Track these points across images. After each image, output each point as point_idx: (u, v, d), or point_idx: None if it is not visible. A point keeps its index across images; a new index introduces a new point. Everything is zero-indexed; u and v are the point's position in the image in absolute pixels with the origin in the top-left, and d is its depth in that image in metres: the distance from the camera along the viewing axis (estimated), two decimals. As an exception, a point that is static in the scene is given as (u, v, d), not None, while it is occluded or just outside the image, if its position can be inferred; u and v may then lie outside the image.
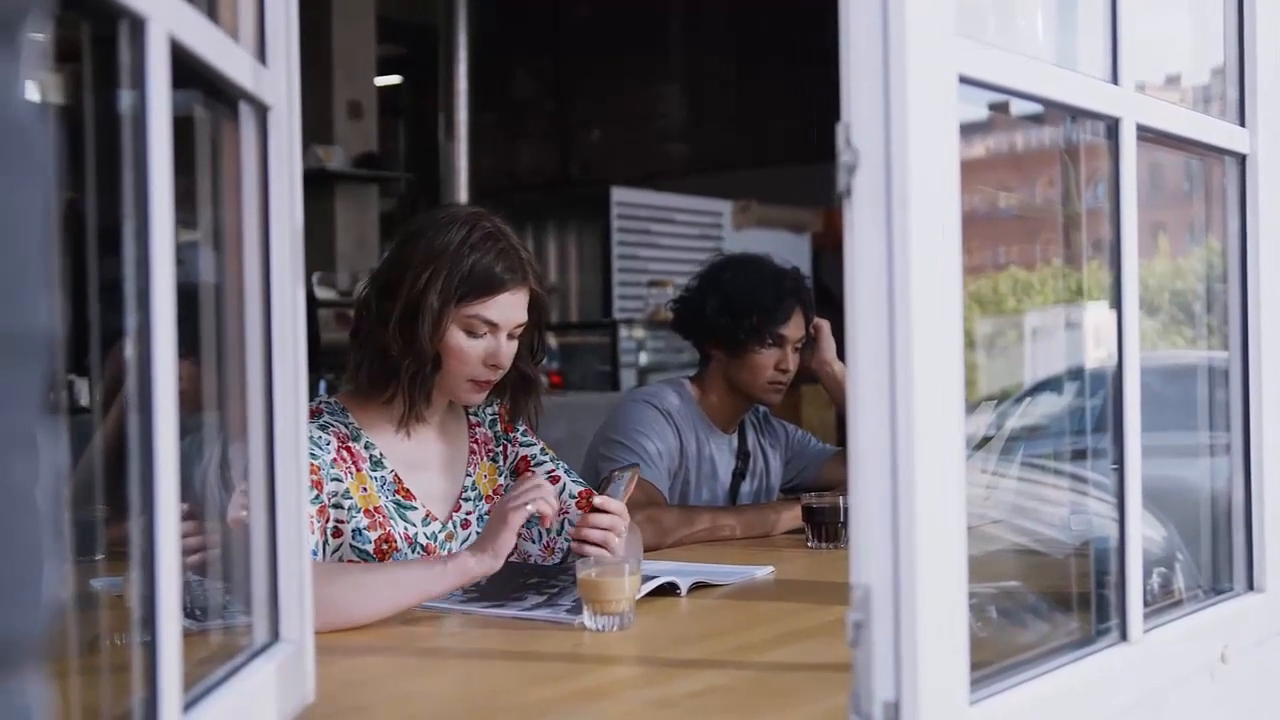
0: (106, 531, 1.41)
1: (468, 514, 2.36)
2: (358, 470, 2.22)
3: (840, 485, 3.05)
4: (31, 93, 0.61)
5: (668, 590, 2.14)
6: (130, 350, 1.05)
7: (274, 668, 1.34)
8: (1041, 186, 2.09)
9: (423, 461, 2.32)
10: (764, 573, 2.39)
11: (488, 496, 2.39)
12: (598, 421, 3.22)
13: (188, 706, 1.11)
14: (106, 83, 1.06)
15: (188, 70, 1.13)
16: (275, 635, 1.40)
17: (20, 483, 0.58)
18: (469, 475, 2.38)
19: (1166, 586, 1.82)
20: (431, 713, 1.59)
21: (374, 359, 2.24)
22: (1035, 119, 1.76)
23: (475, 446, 2.41)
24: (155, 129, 1.03)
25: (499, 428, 2.45)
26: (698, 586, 2.22)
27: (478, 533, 2.32)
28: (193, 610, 1.37)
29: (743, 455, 3.20)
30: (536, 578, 2.18)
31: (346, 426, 2.25)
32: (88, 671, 1.25)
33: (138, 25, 1.01)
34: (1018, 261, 2.17)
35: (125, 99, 1.03)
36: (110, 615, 1.45)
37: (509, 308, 2.23)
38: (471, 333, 2.22)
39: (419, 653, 1.84)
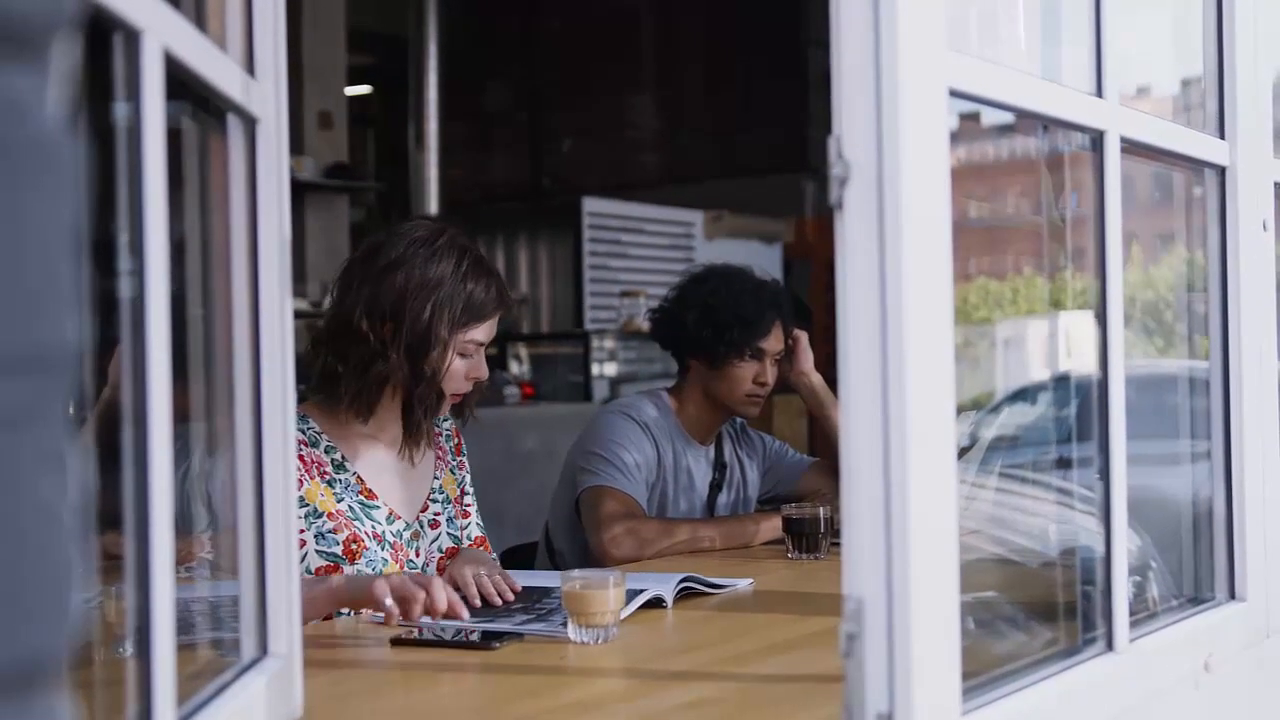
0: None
1: (435, 514, 2.44)
2: (312, 477, 2.27)
3: (818, 495, 3.05)
4: (58, 108, 0.60)
5: (653, 602, 2.14)
6: (113, 362, 1.04)
7: (263, 682, 1.33)
8: (1012, 197, 2.10)
9: (389, 465, 2.38)
10: (745, 584, 2.39)
11: (454, 500, 2.48)
12: (570, 432, 3.22)
13: (180, 722, 1.10)
14: (98, 94, 1.05)
15: (177, 81, 1.13)
16: (264, 650, 1.39)
17: (49, 499, 0.58)
18: (436, 478, 2.46)
19: (1141, 595, 1.83)
20: (419, 726, 1.58)
21: (376, 385, 2.29)
22: (1005, 129, 1.77)
23: (440, 452, 2.50)
24: (150, 141, 1.02)
25: (452, 445, 2.55)
26: (685, 594, 2.22)
27: (448, 533, 2.44)
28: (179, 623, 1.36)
29: (720, 467, 3.20)
30: (523, 601, 2.17)
31: (304, 432, 2.29)
32: (76, 686, 1.23)
33: (132, 37, 1.01)
34: (988, 272, 2.18)
35: (119, 110, 1.03)
36: (94, 629, 1.44)
37: (494, 327, 2.38)
38: (463, 355, 2.33)
39: (406, 667, 1.83)
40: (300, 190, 7.42)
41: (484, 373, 2.37)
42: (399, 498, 2.37)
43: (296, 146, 7.32)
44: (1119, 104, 1.56)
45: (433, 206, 8.50)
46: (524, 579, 2.29)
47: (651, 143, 9.92)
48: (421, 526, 2.41)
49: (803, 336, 3.19)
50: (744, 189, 8.98)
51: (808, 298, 7.73)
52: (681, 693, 1.65)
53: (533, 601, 2.17)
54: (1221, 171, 1.86)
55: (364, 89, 10.20)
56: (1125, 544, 1.56)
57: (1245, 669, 1.83)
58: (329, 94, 7.72)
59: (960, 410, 2.36)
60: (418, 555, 2.37)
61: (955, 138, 1.58)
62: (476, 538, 2.50)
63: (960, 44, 1.32)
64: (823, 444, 3.52)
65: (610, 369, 7.74)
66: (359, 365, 2.27)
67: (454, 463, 2.53)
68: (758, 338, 3.05)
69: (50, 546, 0.58)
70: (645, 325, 3.28)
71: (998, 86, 1.38)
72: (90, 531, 1.10)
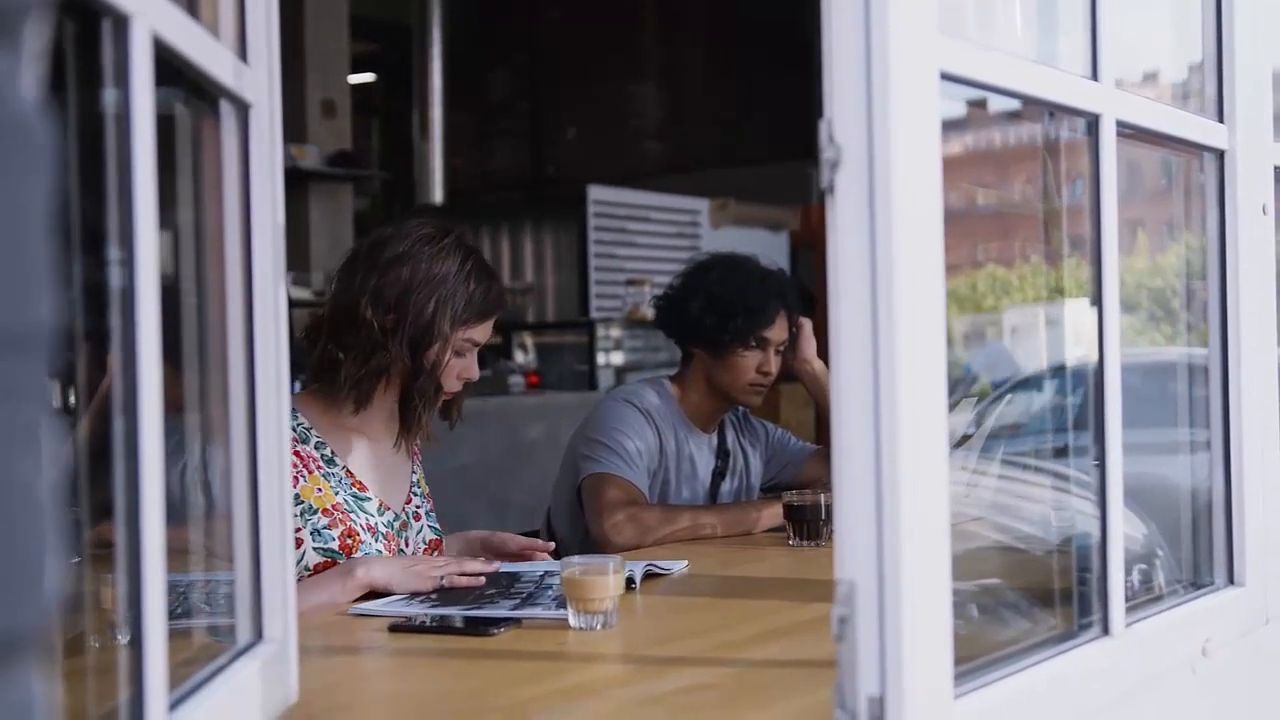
0: (85, 534, 1.41)
1: (417, 508, 2.49)
2: (310, 473, 2.30)
3: (820, 483, 3.05)
4: (32, 90, 0.61)
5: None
6: (109, 351, 1.04)
7: (258, 667, 1.34)
8: (1019, 183, 2.09)
9: (374, 458, 2.42)
10: (679, 566, 2.41)
11: (427, 495, 2.54)
12: (575, 421, 3.22)
13: (173, 706, 1.11)
14: (88, 80, 1.05)
15: (168, 67, 1.13)
16: (258, 635, 1.40)
17: (25, 477, 0.59)
18: (414, 472, 2.51)
19: (1147, 582, 1.83)
20: (415, 713, 1.59)
21: (374, 375, 2.32)
22: (1013, 115, 1.77)
23: (416, 450, 2.54)
24: (139, 127, 1.02)
25: (418, 444, 2.57)
26: (649, 576, 2.27)
27: (429, 526, 2.49)
28: (174, 610, 1.37)
29: (723, 454, 3.20)
30: (494, 589, 2.16)
31: (294, 429, 2.30)
32: (69, 673, 1.24)
33: (121, 23, 1.01)
34: (996, 259, 2.17)
35: (108, 96, 1.03)
36: (89, 617, 1.44)
37: (490, 329, 2.42)
38: (459, 353, 2.36)
39: (402, 653, 1.83)
40: (304, 179, 7.42)
41: (475, 374, 2.42)
42: (385, 490, 2.41)
43: (300, 135, 7.33)
44: (1114, 88, 1.55)
45: (437, 195, 8.51)
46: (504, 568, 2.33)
47: (655, 131, 9.92)
48: (408, 518, 2.44)
49: (806, 324, 3.18)
50: (750, 177, 8.97)
51: (814, 286, 7.72)
52: (678, 678, 1.65)
53: (507, 587, 2.17)
54: (1220, 155, 1.86)
55: (368, 77, 10.20)
56: (1121, 528, 1.56)
57: (1243, 655, 1.83)
58: (332, 82, 7.72)
59: (969, 397, 2.36)
60: (406, 545, 2.40)
61: (962, 124, 1.58)
62: (431, 540, 2.51)
63: (955, 29, 1.32)
64: (827, 432, 3.52)
65: (616, 358, 7.74)
66: (360, 355, 2.30)
67: (421, 461, 2.58)
68: (762, 327, 3.04)
69: (26, 524, 0.59)
70: (650, 313, 3.29)
71: (991, 70, 1.37)
72: (67, 508, 1.10)
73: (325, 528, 2.26)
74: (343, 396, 2.32)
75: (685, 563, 2.45)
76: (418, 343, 2.30)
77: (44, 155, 0.60)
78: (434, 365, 2.32)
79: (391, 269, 2.31)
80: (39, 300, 0.60)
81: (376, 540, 2.32)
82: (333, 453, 2.35)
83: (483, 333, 2.39)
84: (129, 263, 1.02)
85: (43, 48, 0.62)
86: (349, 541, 2.28)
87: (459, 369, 2.37)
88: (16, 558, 0.58)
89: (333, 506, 2.29)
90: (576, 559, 1.99)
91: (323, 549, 2.25)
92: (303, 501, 2.25)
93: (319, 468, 2.31)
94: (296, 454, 2.28)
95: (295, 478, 2.25)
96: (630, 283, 8.03)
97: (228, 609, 1.41)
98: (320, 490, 2.29)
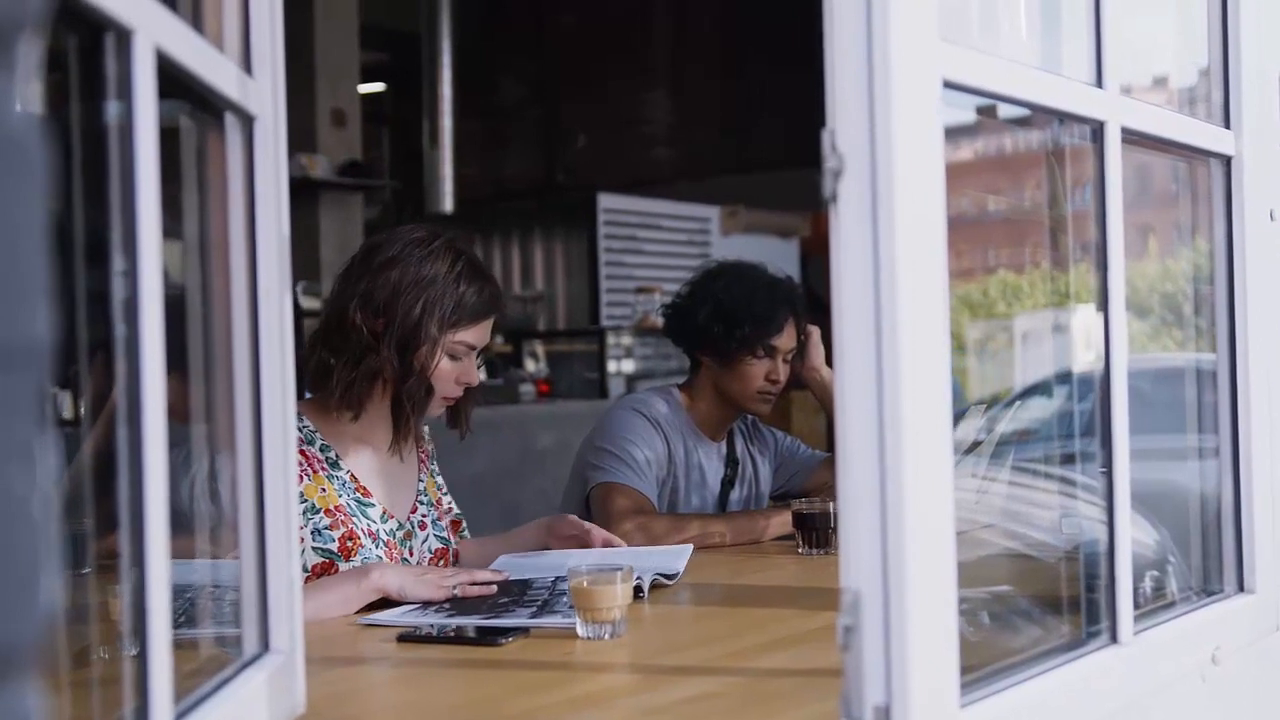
0: (93, 545, 1.41)
1: (423, 517, 2.49)
2: (314, 473, 2.31)
3: (830, 491, 3.04)
4: (27, 104, 0.61)
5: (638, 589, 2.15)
6: (117, 363, 1.05)
7: (264, 678, 1.34)
8: (1030, 190, 2.09)
9: (379, 466, 2.42)
10: (685, 552, 2.45)
11: (435, 503, 2.53)
12: (586, 429, 3.22)
13: (178, 717, 1.11)
14: (91, 93, 1.05)
15: (173, 80, 1.13)
16: (265, 646, 1.40)
17: (18, 492, 0.59)
18: (420, 481, 2.51)
19: (1159, 589, 1.83)
20: (423, 722, 1.59)
21: (366, 378, 2.33)
22: (1022, 122, 1.77)
23: (423, 457, 2.55)
24: (142, 140, 1.03)
25: (431, 447, 2.60)
26: (657, 586, 2.27)
27: (435, 535, 2.49)
28: (179, 620, 1.37)
29: (732, 463, 3.20)
30: (506, 598, 2.16)
31: (300, 431, 2.32)
32: (77, 684, 1.24)
33: (124, 37, 1.01)
34: (1007, 265, 2.17)
35: (111, 109, 1.03)
36: (97, 628, 1.45)
37: (487, 332, 2.41)
38: (453, 356, 2.36)
39: (409, 663, 1.83)
40: (314, 188, 7.42)
41: (474, 378, 2.41)
42: (390, 498, 2.42)
43: (309, 145, 7.32)
44: (1119, 94, 1.55)
45: (447, 204, 8.51)
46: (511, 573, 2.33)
47: (665, 138, 9.90)
48: (412, 527, 2.44)
49: (814, 332, 3.18)
50: (760, 184, 8.96)
51: (825, 294, 7.70)
52: (686, 687, 1.65)
53: (520, 595, 2.16)
54: (1227, 161, 1.85)
55: (377, 86, 10.19)
56: (1129, 535, 1.55)
57: (1253, 662, 1.82)
58: (342, 91, 7.71)
59: (979, 404, 2.35)
60: (410, 554, 2.41)
61: (973, 130, 1.58)
62: (453, 522, 2.55)
63: (961, 37, 1.32)
64: (837, 439, 3.51)
65: (626, 366, 7.74)
66: (351, 358, 2.31)
67: (432, 467, 2.58)
68: (770, 335, 3.04)
69: (19, 538, 0.59)
70: (660, 321, 3.29)
71: (993, 77, 1.37)
72: (77, 520, 1.11)
73: (326, 528, 2.27)
74: (336, 401, 2.33)
75: (689, 547, 2.47)
76: (406, 344, 2.31)
77: (39, 170, 0.60)
78: (423, 367, 2.32)
79: (382, 273, 2.32)
80: (35, 315, 0.60)
81: (377, 546, 2.32)
82: (337, 456, 2.36)
83: (476, 336, 2.37)
84: (132, 274, 1.03)
85: (38, 63, 0.62)
86: (349, 544, 2.28)
87: (456, 373, 2.37)
88: (11, 572, 0.58)
89: (335, 508, 2.30)
90: (584, 568, 1.98)
91: (322, 549, 2.26)
92: (306, 500, 2.26)
93: (323, 469, 2.32)
94: (302, 454, 2.29)
95: (299, 476, 2.26)
96: (640, 290, 8.03)
97: (233, 615, 1.42)
98: (324, 490, 2.30)
